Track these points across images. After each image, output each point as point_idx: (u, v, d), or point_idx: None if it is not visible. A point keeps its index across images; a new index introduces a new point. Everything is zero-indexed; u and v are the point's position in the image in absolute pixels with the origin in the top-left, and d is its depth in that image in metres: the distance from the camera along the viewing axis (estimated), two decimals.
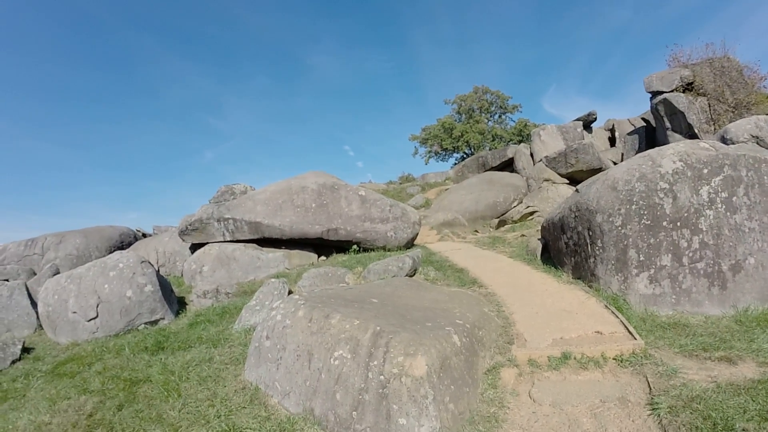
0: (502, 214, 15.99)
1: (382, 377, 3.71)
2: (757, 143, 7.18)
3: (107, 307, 7.16)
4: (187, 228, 11.17)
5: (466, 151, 34.54)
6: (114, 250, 14.03)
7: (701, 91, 15.21)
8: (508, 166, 20.91)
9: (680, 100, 15.10)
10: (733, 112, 14.53)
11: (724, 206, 5.77)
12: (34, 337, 7.98)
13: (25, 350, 6.94)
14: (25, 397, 5.24)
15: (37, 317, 8.22)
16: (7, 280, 10.69)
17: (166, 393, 4.65)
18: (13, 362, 6.54)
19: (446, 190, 21.12)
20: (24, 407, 4.87)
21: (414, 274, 7.95)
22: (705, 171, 5.89)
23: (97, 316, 7.11)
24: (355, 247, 10.72)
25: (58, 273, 9.92)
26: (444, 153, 36.27)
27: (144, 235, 17.36)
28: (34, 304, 8.54)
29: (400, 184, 28.28)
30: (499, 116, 36.73)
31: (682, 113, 14.98)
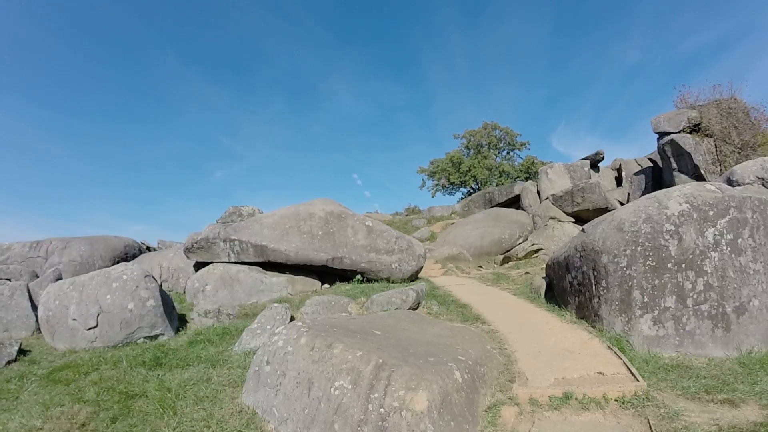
0: (507, 251, 15.95)
1: (382, 410, 3.69)
2: (763, 185, 7.21)
3: (108, 318, 7.15)
4: (192, 246, 11.23)
5: (473, 186, 34.69)
6: (118, 261, 14.08)
7: (708, 132, 15.26)
8: (514, 202, 21.00)
9: (687, 141, 15.18)
10: (739, 153, 14.56)
11: (729, 248, 5.77)
12: (31, 339, 7.98)
13: (22, 352, 6.93)
14: (18, 399, 5.21)
15: (36, 320, 8.22)
16: (9, 280, 10.70)
17: (161, 410, 4.60)
18: (9, 363, 6.53)
19: (452, 224, 21.09)
20: (16, 409, 4.83)
21: (417, 307, 7.92)
22: (711, 213, 5.91)
23: (96, 325, 7.10)
24: (359, 276, 10.70)
25: (61, 278, 9.96)
26: (451, 187, 36.46)
27: (148, 249, 17.43)
28: (34, 307, 8.55)
29: (406, 215, 28.21)
30: (508, 153, 37.09)
31: (689, 154, 15.04)
